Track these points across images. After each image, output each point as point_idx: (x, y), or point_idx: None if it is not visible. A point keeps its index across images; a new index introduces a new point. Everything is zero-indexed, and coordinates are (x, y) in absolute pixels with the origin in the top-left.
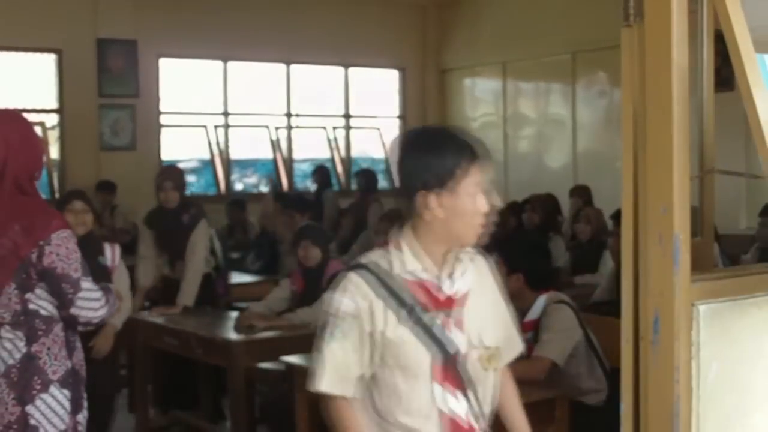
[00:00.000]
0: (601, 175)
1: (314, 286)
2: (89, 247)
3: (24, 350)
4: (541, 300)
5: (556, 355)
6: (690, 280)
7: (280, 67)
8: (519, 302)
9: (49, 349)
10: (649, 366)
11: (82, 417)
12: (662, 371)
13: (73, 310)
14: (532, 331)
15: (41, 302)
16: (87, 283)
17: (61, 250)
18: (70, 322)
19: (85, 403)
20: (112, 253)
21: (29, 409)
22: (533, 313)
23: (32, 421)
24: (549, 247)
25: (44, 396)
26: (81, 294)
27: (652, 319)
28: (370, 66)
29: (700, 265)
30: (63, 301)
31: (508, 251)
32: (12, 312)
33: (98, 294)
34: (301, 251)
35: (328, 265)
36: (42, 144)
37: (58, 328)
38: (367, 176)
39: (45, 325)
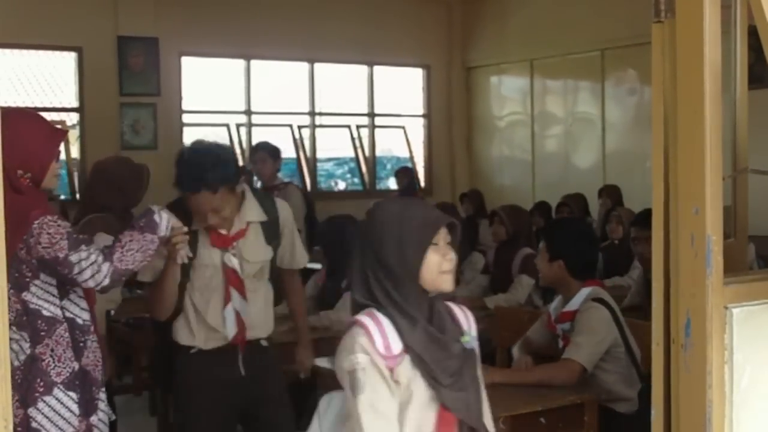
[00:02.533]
0: (631, 174)
1: (337, 280)
2: None
3: (28, 351)
4: (583, 293)
5: (585, 360)
6: (723, 282)
7: (304, 66)
8: (562, 290)
9: (52, 350)
10: (680, 370)
11: (98, 419)
12: (694, 376)
13: (82, 284)
14: (569, 322)
15: (41, 302)
16: (75, 255)
17: (43, 239)
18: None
19: (101, 404)
20: None
21: (31, 411)
22: (573, 305)
23: (34, 424)
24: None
25: (47, 398)
26: (76, 269)
27: (684, 323)
28: (395, 64)
29: (733, 267)
30: (69, 281)
31: (550, 237)
32: (14, 312)
33: (93, 257)
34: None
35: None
36: (42, 141)
37: (61, 329)
38: (409, 176)
39: (47, 326)
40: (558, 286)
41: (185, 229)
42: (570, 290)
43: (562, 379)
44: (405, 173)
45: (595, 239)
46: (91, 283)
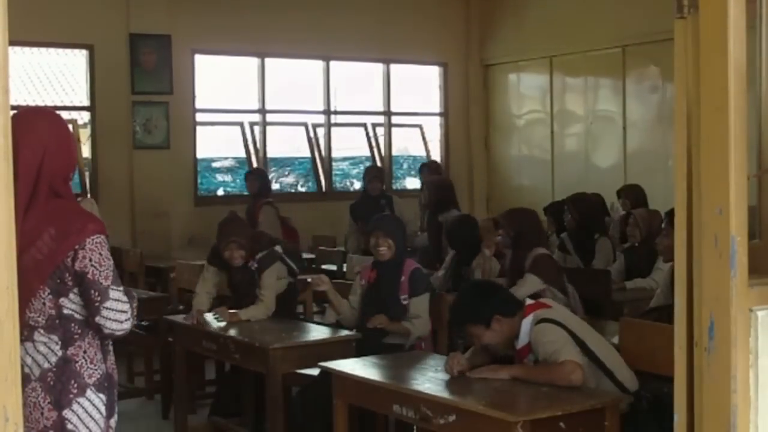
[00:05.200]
0: (653, 174)
1: (389, 278)
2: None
3: (60, 353)
4: (526, 324)
5: (572, 355)
6: (747, 284)
7: (319, 64)
8: (510, 341)
9: (85, 352)
10: (703, 375)
11: (114, 421)
12: (718, 380)
13: (98, 319)
14: (530, 354)
15: (75, 306)
16: (116, 293)
17: (94, 256)
18: (96, 330)
19: (117, 407)
20: None
21: (66, 413)
22: (523, 339)
23: (69, 426)
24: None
25: (81, 400)
26: (108, 304)
27: (707, 325)
28: (411, 62)
29: (758, 269)
30: (90, 308)
31: (473, 313)
32: (46, 316)
33: (126, 306)
34: (372, 240)
35: (405, 261)
36: (75, 144)
37: (93, 332)
38: (261, 178)
39: (80, 329)
40: (507, 345)
41: None
42: (516, 332)
43: (570, 379)
44: (256, 175)
45: (492, 283)
46: (110, 327)
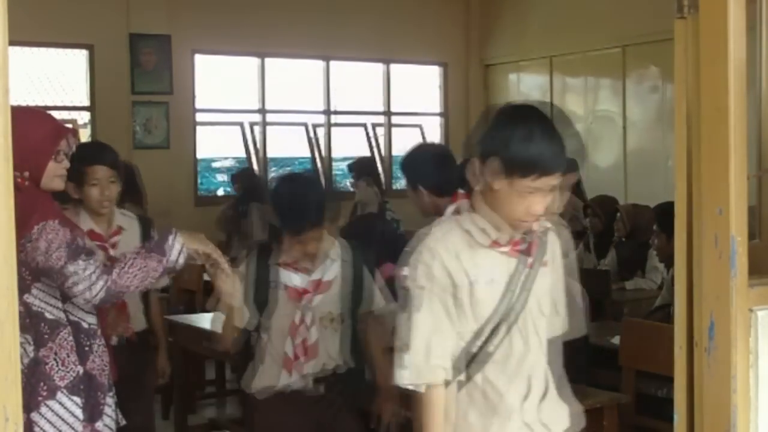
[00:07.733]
0: (653, 174)
1: None
2: None
3: (32, 355)
4: (449, 211)
5: None
6: (747, 284)
7: (319, 64)
8: (438, 214)
9: (56, 354)
10: (704, 374)
11: (103, 425)
12: (718, 380)
13: (73, 298)
14: None
15: (43, 304)
16: (72, 267)
17: (41, 244)
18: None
19: (108, 409)
20: None
21: (34, 416)
22: None
23: (36, 429)
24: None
25: (50, 403)
26: (70, 281)
27: (708, 325)
28: (412, 62)
29: (758, 269)
30: (62, 290)
31: (403, 169)
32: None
33: (89, 271)
34: None
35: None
36: (40, 141)
37: (65, 333)
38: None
39: (50, 330)
40: (435, 213)
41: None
42: (442, 211)
43: None
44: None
45: (446, 157)
46: (84, 297)
